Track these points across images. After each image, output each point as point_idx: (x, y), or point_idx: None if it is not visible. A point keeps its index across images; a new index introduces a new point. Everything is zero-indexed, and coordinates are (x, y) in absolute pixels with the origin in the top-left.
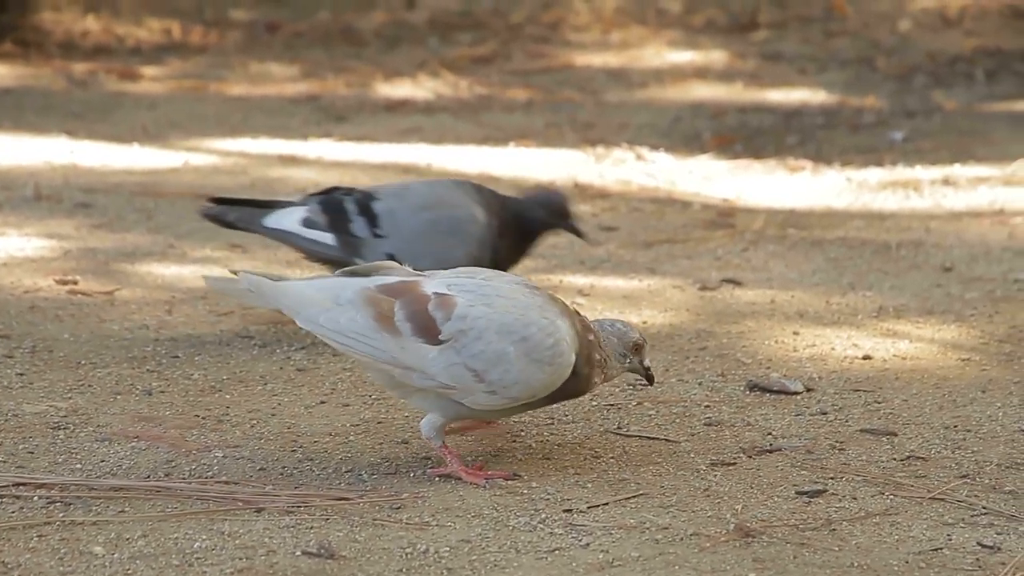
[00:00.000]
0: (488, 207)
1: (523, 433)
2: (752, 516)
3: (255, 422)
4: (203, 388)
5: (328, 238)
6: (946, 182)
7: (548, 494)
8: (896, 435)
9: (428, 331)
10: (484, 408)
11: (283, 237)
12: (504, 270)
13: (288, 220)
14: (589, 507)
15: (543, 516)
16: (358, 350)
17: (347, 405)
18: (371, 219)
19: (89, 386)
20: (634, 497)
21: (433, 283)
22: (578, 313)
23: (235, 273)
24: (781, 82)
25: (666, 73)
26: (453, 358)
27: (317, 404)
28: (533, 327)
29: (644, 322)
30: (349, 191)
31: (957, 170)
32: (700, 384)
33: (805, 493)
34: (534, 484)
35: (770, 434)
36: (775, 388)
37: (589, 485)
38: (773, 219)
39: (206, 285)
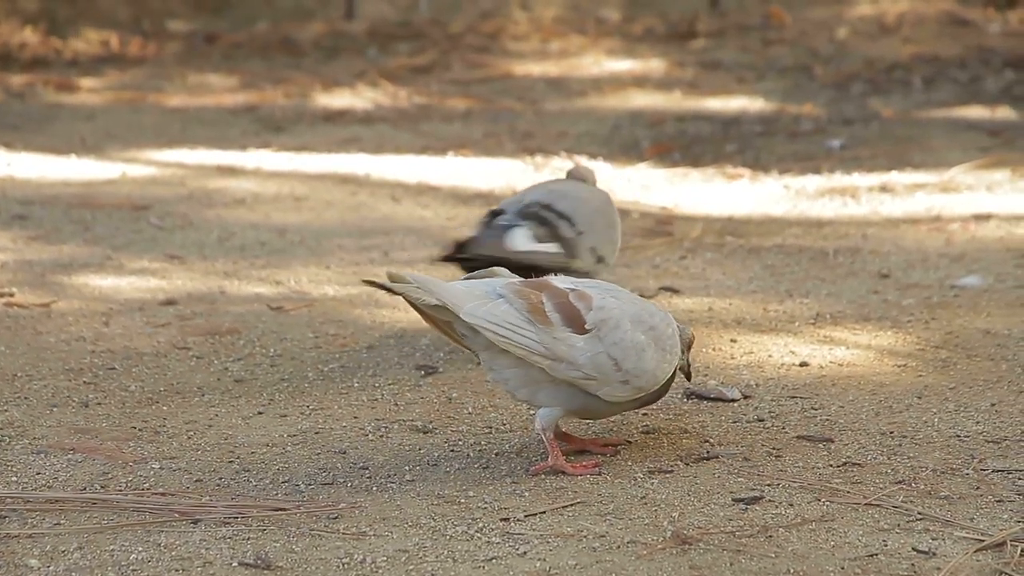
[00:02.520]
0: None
1: (461, 443)
2: (689, 523)
3: (192, 433)
4: (140, 400)
5: (554, 247)
6: (883, 189)
7: (485, 503)
8: (832, 441)
9: (575, 321)
10: (612, 401)
11: (529, 258)
12: None
13: (523, 242)
14: (526, 515)
15: (480, 525)
16: (515, 340)
17: (284, 416)
18: (568, 220)
19: (25, 398)
20: (571, 505)
21: (560, 281)
22: None
23: (392, 275)
24: (719, 90)
25: (605, 82)
26: (597, 347)
27: (254, 415)
28: (656, 317)
29: None
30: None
31: (894, 177)
32: None
33: (742, 500)
34: (471, 493)
35: (707, 441)
36: (712, 395)
37: (526, 494)
38: (711, 227)
39: (372, 286)
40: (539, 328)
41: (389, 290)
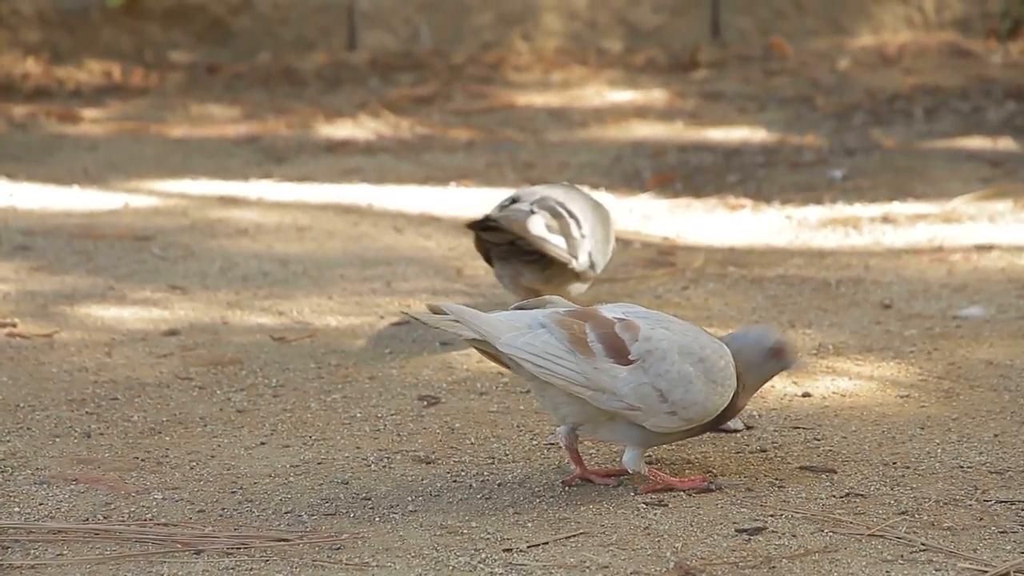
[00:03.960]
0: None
1: (463, 473)
2: (692, 554)
3: (194, 464)
4: (142, 430)
5: (562, 241)
6: (885, 219)
7: (488, 534)
8: (835, 472)
9: (618, 351)
10: (661, 431)
11: (541, 244)
12: None
13: (540, 228)
14: (529, 546)
15: (483, 556)
16: (554, 371)
17: (287, 446)
18: (577, 221)
19: (28, 429)
20: (574, 536)
21: (610, 310)
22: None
23: (432, 307)
24: (721, 121)
25: (607, 112)
26: (641, 378)
27: (257, 445)
28: (708, 349)
29: None
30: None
31: (896, 207)
32: None
33: (745, 531)
34: (474, 524)
35: (710, 472)
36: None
37: (529, 524)
38: (713, 257)
39: (410, 318)
40: (580, 359)
41: (426, 324)
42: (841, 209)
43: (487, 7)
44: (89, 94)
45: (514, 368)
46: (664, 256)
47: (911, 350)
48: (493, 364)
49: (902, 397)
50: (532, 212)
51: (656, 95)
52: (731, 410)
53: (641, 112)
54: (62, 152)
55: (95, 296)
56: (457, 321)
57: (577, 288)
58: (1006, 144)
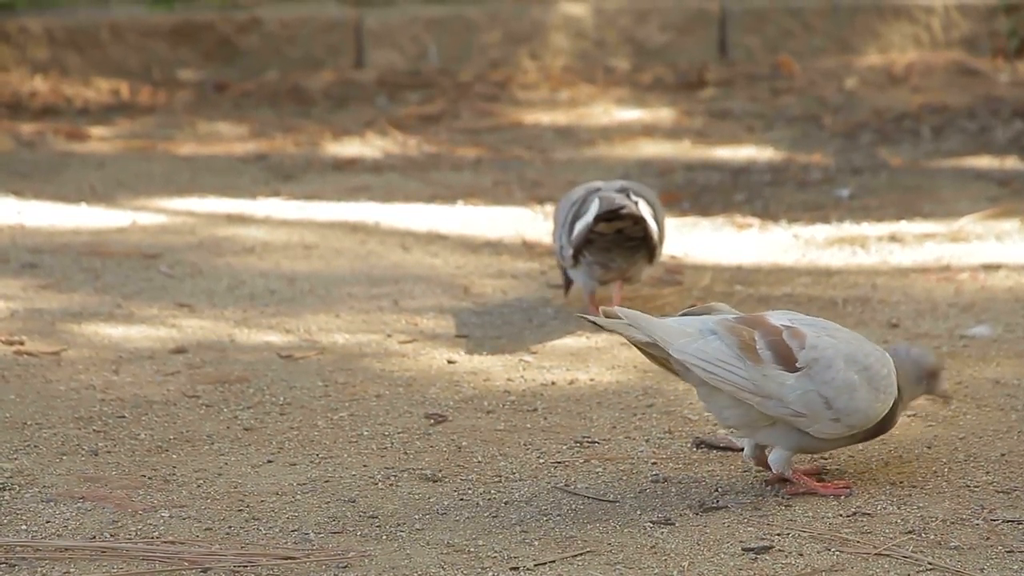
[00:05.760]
0: None
1: (470, 491)
2: (698, 573)
3: (201, 482)
4: (149, 448)
5: (655, 227)
6: (892, 239)
7: (495, 552)
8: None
9: (786, 359)
10: (823, 437)
11: (648, 228)
12: None
13: (648, 213)
14: (536, 565)
15: (490, 574)
16: (723, 377)
17: (294, 464)
18: (654, 208)
19: (35, 447)
20: (581, 555)
21: (776, 317)
22: None
23: (607, 312)
24: (728, 139)
25: (614, 131)
26: (808, 385)
27: (264, 463)
28: (871, 357)
29: (591, 379)
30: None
31: (903, 226)
32: (647, 441)
33: (752, 550)
34: (480, 542)
35: (717, 491)
36: (722, 445)
37: (536, 543)
38: (720, 276)
39: (581, 319)
40: (749, 365)
41: (602, 327)
42: (848, 228)
43: (495, 26)
44: (97, 112)
45: (681, 372)
46: (671, 275)
47: None
48: (500, 382)
49: (909, 416)
50: (636, 201)
51: (663, 113)
52: (890, 421)
53: (648, 130)
54: (70, 170)
55: (102, 314)
56: (631, 325)
57: (647, 272)
58: (1014, 163)
